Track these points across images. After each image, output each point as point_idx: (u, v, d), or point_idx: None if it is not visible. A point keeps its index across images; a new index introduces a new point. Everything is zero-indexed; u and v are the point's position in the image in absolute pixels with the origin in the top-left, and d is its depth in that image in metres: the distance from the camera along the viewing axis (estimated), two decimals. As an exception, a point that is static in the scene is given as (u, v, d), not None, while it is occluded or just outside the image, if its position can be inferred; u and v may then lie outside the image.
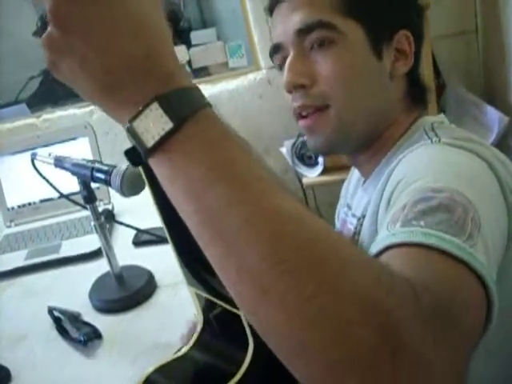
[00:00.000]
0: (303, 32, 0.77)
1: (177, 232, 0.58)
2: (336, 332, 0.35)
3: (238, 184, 0.41)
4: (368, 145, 0.83)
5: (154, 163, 0.44)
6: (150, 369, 0.72)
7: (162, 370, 0.72)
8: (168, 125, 0.42)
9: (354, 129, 0.80)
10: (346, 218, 0.94)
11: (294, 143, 2.06)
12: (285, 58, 0.80)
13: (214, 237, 0.41)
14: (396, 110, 0.82)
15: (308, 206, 0.45)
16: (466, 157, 0.65)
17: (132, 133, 0.44)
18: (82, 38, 0.43)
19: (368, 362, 0.35)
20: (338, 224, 1.02)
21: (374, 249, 0.51)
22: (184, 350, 0.72)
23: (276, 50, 0.82)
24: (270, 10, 0.83)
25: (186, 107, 0.43)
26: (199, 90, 0.46)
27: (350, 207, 0.94)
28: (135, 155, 0.45)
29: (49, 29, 0.44)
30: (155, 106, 0.42)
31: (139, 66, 0.43)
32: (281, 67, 0.82)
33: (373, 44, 0.77)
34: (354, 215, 0.90)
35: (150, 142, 0.43)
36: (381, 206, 0.71)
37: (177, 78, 0.44)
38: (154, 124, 0.42)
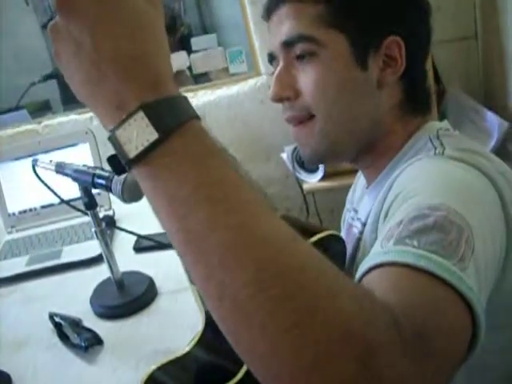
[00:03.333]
0: (287, 45, 0.78)
1: None
2: (314, 362, 0.35)
3: (224, 207, 0.39)
4: (364, 154, 0.83)
5: (137, 174, 0.42)
6: (153, 367, 0.72)
7: (164, 368, 0.73)
8: (153, 136, 0.40)
9: (340, 140, 0.80)
10: (351, 222, 0.95)
11: (295, 149, 2.07)
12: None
13: (196, 259, 0.40)
14: (389, 117, 0.81)
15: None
16: (468, 172, 0.65)
17: (114, 141, 0.42)
18: (81, 26, 0.42)
19: None
20: (343, 228, 1.02)
21: (366, 264, 0.52)
22: (187, 348, 0.73)
23: (271, 58, 0.84)
24: (267, 18, 0.83)
25: (173, 118, 0.41)
26: (187, 101, 0.44)
27: (356, 211, 0.94)
28: (119, 163, 0.43)
29: (55, 17, 0.44)
30: (141, 114, 0.40)
31: (127, 66, 0.42)
32: None
33: (357, 54, 0.77)
34: (359, 219, 0.90)
35: (132, 153, 0.41)
36: (381, 215, 0.71)
37: (165, 85, 0.43)
38: (138, 134, 0.40)
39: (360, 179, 0.99)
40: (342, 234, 1.01)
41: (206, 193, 0.39)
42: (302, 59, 0.77)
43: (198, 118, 0.43)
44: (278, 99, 0.80)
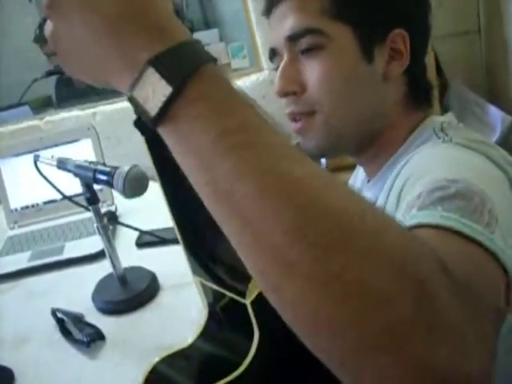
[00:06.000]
0: (293, 38, 0.77)
1: (183, 217, 0.58)
2: (369, 307, 0.33)
3: (251, 152, 0.37)
4: (366, 147, 0.82)
5: (162, 133, 0.40)
6: (155, 359, 0.72)
7: (167, 360, 0.72)
8: (168, 90, 0.38)
9: (344, 134, 0.79)
10: None
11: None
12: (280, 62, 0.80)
13: (229, 211, 0.37)
14: (394, 111, 0.80)
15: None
16: (477, 157, 0.65)
17: (134, 103, 0.41)
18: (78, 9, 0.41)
19: (403, 337, 0.32)
20: None
21: None
22: (189, 340, 0.73)
23: (272, 53, 0.83)
24: (267, 13, 0.82)
25: (185, 67, 0.39)
26: (199, 44, 0.41)
27: None
28: (145, 125, 0.41)
29: (50, 24, 0.44)
30: (151, 70, 0.39)
31: (124, 23, 0.40)
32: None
33: (363, 47, 0.76)
34: None
35: (153, 111, 0.39)
36: (387, 205, 0.70)
37: (171, 32, 0.40)
38: (154, 91, 0.39)
39: (359, 171, 0.98)
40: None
41: (231, 140, 0.37)
42: (308, 53, 0.76)
43: (212, 60, 0.41)
44: (284, 94, 0.79)
